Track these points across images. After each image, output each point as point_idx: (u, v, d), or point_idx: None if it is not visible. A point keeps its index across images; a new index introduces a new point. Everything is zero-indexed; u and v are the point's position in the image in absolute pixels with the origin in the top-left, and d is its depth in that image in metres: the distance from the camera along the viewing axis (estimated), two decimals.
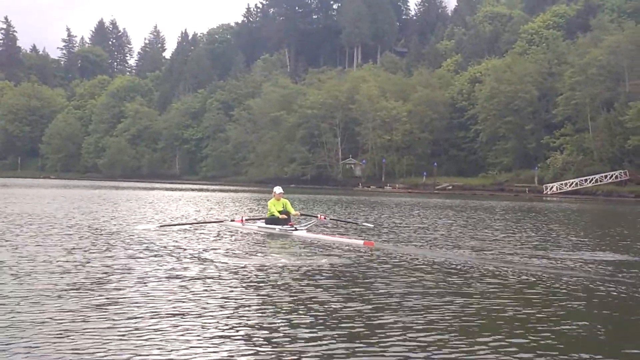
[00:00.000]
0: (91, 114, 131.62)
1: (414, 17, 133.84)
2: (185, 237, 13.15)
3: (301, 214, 16.08)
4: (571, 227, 20.55)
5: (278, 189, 14.99)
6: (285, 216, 14.45)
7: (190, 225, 15.79)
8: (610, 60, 66.73)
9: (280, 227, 14.27)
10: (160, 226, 15.34)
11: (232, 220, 15.88)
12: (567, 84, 69.58)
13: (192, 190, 53.65)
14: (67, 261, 9.13)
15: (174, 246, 11.45)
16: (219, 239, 13.03)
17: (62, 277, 7.84)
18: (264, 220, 15.15)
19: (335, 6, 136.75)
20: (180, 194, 42.89)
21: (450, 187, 74.51)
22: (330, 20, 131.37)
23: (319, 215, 15.73)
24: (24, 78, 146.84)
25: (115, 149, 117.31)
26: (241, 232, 14.56)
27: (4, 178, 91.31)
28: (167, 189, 54.13)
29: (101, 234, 13.20)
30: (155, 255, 10.07)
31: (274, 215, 14.51)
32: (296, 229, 14.16)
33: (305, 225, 14.97)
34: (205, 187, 69.39)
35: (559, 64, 75.35)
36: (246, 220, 15.69)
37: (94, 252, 10.24)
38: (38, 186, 54.12)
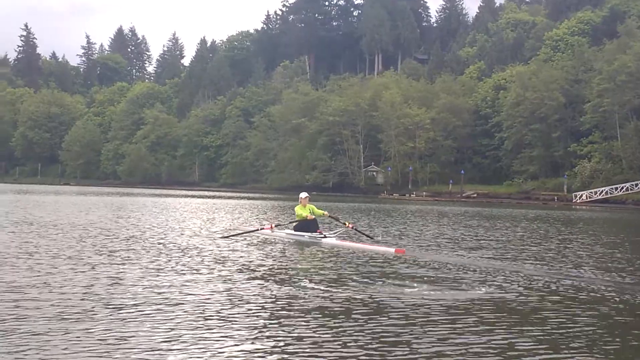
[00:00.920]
0: (110, 120, 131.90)
1: (435, 24, 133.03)
2: (272, 254, 12.36)
3: (329, 215, 16.07)
4: None
5: (303, 194, 15.49)
6: (313, 216, 14.76)
7: (251, 235, 15.83)
8: (639, 67, 65.56)
9: (309, 234, 14.49)
10: (241, 232, 16.04)
11: (262, 228, 16.13)
12: (594, 91, 68.50)
13: (222, 197, 52.96)
14: (157, 285, 8.38)
15: (265, 266, 10.66)
16: (312, 256, 12.38)
17: (172, 313, 7.00)
18: (293, 226, 15.48)
19: (355, 13, 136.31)
20: (212, 201, 42.25)
21: (475, 195, 73.57)
22: (351, 27, 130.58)
23: (346, 224, 15.71)
24: (43, 85, 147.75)
25: (134, 156, 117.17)
26: (309, 247, 13.92)
27: (24, 184, 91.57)
28: (195, 196, 53.72)
29: (170, 249, 12.47)
30: (251, 278, 9.28)
31: (302, 216, 14.86)
32: (325, 237, 14.28)
33: (334, 233, 15.00)
34: (229, 194, 68.84)
35: (586, 70, 74.31)
36: (275, 226, 15.91)
37: (180, 273, 9.49)
38: (64, 193, 53.81)
